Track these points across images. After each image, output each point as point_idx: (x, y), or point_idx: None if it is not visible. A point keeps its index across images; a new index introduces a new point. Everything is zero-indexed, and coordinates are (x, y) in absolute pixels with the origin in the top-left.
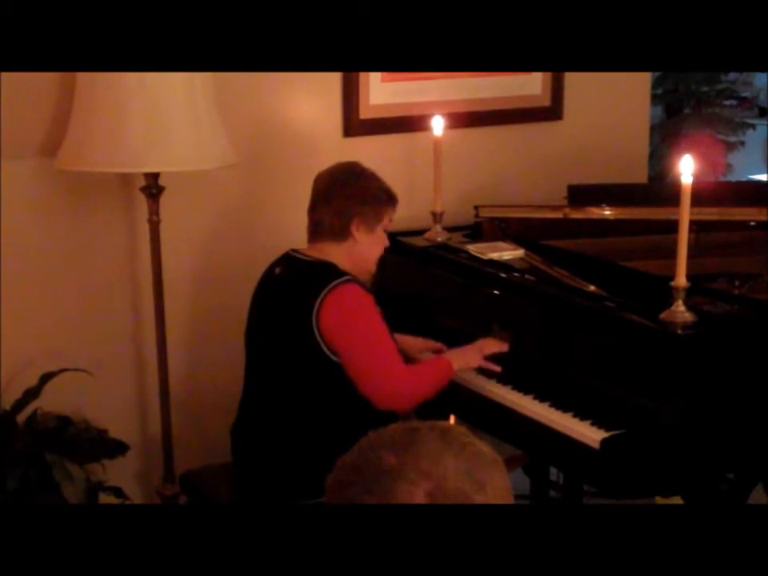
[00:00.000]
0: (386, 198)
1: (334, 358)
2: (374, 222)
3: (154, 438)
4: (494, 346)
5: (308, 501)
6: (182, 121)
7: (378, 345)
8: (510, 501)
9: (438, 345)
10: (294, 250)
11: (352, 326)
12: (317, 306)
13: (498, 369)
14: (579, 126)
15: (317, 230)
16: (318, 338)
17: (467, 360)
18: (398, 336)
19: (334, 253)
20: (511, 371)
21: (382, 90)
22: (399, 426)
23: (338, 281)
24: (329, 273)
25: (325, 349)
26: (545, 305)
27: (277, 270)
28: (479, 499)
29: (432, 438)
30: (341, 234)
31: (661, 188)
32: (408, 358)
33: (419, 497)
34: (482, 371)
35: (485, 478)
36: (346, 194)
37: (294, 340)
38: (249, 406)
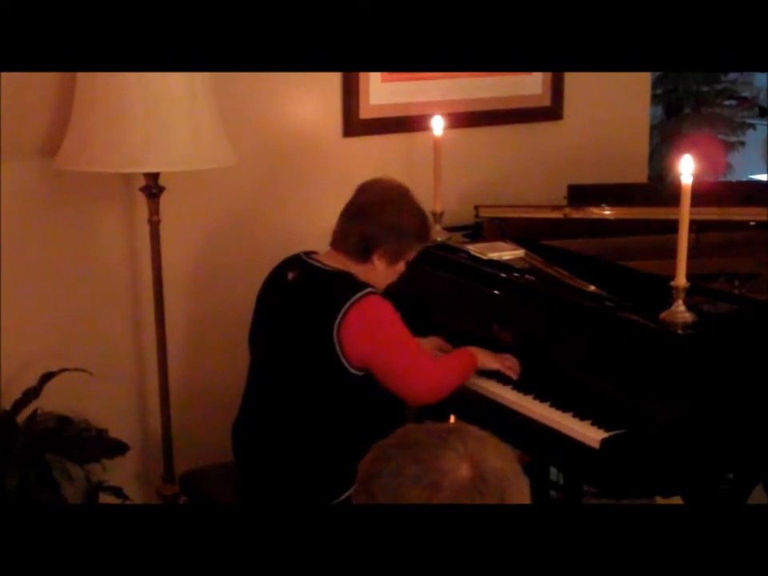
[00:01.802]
0: (418, 237)
1: (351, 370)
2: (398, 256)
3: (153, 438)
4: (515, 365)
5: (309, 500)
6: (182, 121)
7: (407, 346)
8: (529, 498)
9: (445, 344)
10: (307, 255)
11: (378, 336)
12: (338, 319)
13: (514, 376)
14: (579, 125)
15: (341, 240)
16: (338, 349)
17: (490, 360)
18: None
19: (350, 268)
20: None
21: (382, 90)
22: (436, 423)
23: (361, 294)
24: (349, 285)
25: (343, 360)
26: (545, 305)
27: (290, 276)
28: (516, 483)
29: (473, 428)
30: (362, 256)
31: (661, 188)
32: None
33: (465, 469)
34: (482, 372)
35: (517, 468)
36: (379, 222)
37: (309, 348)
38: (252, 404)
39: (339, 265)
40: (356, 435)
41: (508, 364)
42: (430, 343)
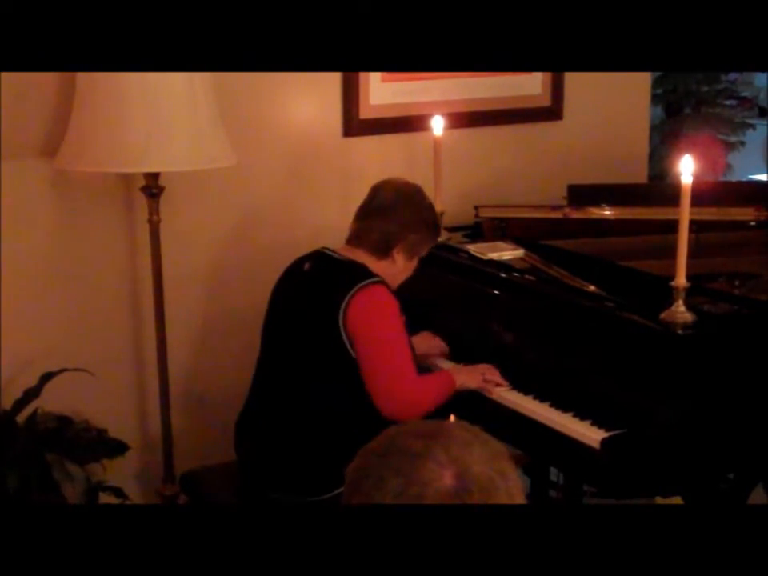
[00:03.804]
0: (433, 231)
1: (355, 355)
2: (416, 251)
3: (154, 438)
4: (497, 376)
5: (313, 497)
6: (182, 121)
7: (398, 351)
8: (523, 497)
9: (439, 346)
10: (326, 248)
11: (376, 327)
12: (345, 302)
13: (493, 392)
14: (579, 125)
15: (359, 238)
16: (343, 335)
17: (469, 380)
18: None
19: (369, 264)
20: (511, 371)
21: (382, 90)
22: (422, 421)
23: (370, 280)
24: (360, 272)
25: (348, 346)
26: (545, 305)
27: (306, 266)
28: (503, 487)
29: (459, 429)
30: (382, 252)
31: (661, 188)
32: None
33: (447, 478)
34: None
35: (506, 469)
36: (403, 218)
37: (318, 335)
38: (260, 397)
39: (355, 257)
40: (361, 429)
41: (488, 377)
42: (424, 341)
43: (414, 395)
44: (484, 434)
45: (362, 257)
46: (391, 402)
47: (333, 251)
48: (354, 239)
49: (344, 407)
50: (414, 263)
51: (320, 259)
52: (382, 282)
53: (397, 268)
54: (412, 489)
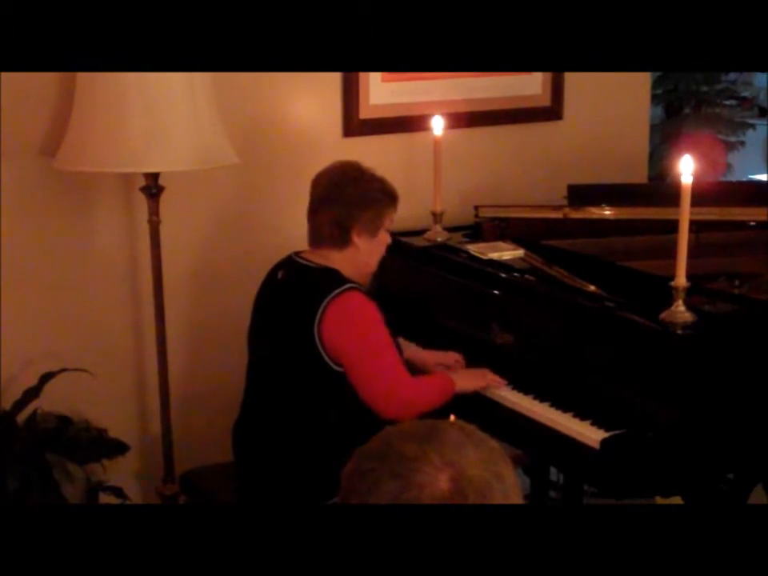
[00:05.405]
0: (387, 200)
1: (334, 366)
2: (375, 227)
3: (154, 438)
4: (497, 379)
5: (308, 499)
6: (182, 121)
7: (382, 354)
8: (520, 496)
9: (455, 357)
10: (297, 254)
11: (355, 335)
12: (318, 314)
13: (494, 392)
14: (579, 125)
15: (317, 237)
16: (319, 346)
17: (469, 383)
18: (413, 349)
19: (336, 259)
20: (511, 371)
21: (382, 90)
22: (417, 422)
23: (340, 289)
24: (331, 281)
25: (325, 357)
26: (544, 305)
27: (280, 274)
28: (499, 488)
29: (453, 430)
30: (342, 242)
31: (661, 188)
32: (418, 371)
33: (443, 481)
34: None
35: (502, 470)
36: (344, 201)
37: (294, 346)
38: (250, 405)
39: (324, 260)
40: (352, 432)
41: (490, 378)
42: (431, 357)
43: (407, 395)
44: (479, 433)
45: (327, 256)
46: (388, 404)
47: (303, 257)
48: (313, 239)
49: (326, 415)
50: (383, 238)
51: (292, 267)
52: (354, 288)
53: (364, 252)
54: (408, 493)
